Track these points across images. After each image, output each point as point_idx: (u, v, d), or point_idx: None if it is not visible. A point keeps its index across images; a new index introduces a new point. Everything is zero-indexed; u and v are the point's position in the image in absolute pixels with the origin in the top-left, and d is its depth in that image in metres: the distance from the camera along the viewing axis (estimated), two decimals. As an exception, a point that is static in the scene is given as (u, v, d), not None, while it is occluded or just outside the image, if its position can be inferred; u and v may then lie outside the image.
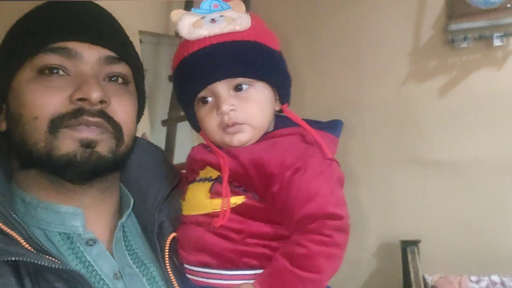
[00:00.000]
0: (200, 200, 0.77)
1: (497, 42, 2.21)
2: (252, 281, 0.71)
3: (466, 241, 2.34)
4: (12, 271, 0.61)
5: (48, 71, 0.68)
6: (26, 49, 0.68)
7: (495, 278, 2.14)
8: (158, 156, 0.85)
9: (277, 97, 0.81)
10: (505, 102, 2.26)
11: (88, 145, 0.68)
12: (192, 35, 0.76)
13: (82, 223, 0.71)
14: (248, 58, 0.75)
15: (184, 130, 2.24)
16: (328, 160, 0.75)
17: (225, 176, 0.74)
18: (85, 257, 0.70)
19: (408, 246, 2.27)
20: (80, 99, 0.67)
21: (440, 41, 2.34)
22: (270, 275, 0.70)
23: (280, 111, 0.83)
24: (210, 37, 0.75)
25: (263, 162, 0.73)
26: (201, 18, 0.75)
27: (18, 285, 0.60)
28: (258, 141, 0.78)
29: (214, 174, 0.77)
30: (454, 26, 2.25)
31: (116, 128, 0.70)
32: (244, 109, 0.76)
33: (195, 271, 0.76)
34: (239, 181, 0.75)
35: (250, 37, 0.75)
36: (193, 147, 0.85)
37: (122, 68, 0.73)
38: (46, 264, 0.61)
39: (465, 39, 2.24)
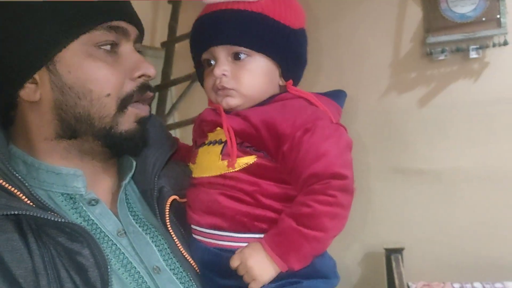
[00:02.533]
0: (212, 162, 0.78)
1: (473, 55, 2.27)
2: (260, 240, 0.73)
3: (449, 249, 2.37)
4: (15, 227, 0.63)
5: (110, 47, 0.71)
6: (84, 23, 0.69)
7: (477, 285, 2.17)
8: (156, 124, 0.87)
9: (280, 74, 0.82)
10: (482, 112, 2.31)
11: (143, 122, 0.75)
12: (206, 0, 0.80)
13: (84, 184, 0.73)
14: (247, 28, 0.77)
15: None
16: (335, 124, 0.77)
17: (230, 131, 0.76)
18: (88, 216, 0.72)
19: (392, 254, 2.30)
20: (140, 76, 0.73)
21: (418, 54, 2.40)
22: (276, 234, 0.72)
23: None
24: (220, 3, 0.78)
25: (275, 122, 0.74)
26: None
27: (21, 240, 0.62)
28: (266, 104, 0.80)
29: (224, 136, 0.78)
30: (432, 39, 2.32)
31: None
32: (236, 77, 0.78)
33: (205, 232, 0.77)
34: (250, 141, 0.77)
35: (257, 8, 0.77)
36: (203, 111, 0.87)
37: (141, 45, 0.80)
38: (48, 218, 0.62)
39: (442, 51, 2.31)
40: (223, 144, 0.78)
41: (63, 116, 0.70)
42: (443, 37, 2.31)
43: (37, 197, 0.66)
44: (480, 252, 2.32)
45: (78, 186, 0.73)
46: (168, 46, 2.33)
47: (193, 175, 0.82)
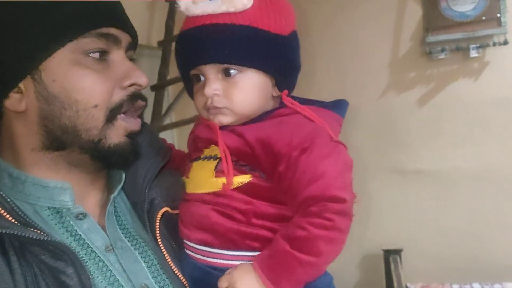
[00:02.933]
0: (205, 179, 0.75)
1: (473, 54, 2.26)
2: (251, 262, 0.70)
3: (448, 250, 2.36)
4: None
5: (99, 55, 0.68)
6: (72, 30, 0.66)
7: (476, 286, 2.16)
8: (147, 132, 0.85)
9: (274, 84, 0.78)
10: (482, 112, 2.30)
11: (133, 136, 0.72)
12: (188, 12, 0.74)
13: (71, 198, 0.71)
14: (235, 44, 0.72)
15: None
16: (335, 142, 0.74)
17: (226, 153, 0.73)
18: (76, 231, 0.69)
19: (390, 255, 2.28)
20: (131, 85, 0.70)
21: (418, 53, 2.38)
22: (269, 257, 0.69)
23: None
24: (204, 17, 0.73)
25: (270, 141, 0.71)
26: None
27: (2, 259, 0.60)
28: (262, 120, 0.76)
29: (219, 152, 0.75)
30: (431, 38, 2.30)
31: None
32: (228, 95, 0.74)
33: (195, 248, 0.75)
34: (245, 159, 0.74)
35: (244, 20, 0.72)
36: (196, 125, 0.83)
37: (134, 52, 0.77)
38: (30, 236, 0.60)
39: (442, 50, 2.29)
40: (217, 160, 0.75)
41: (49, 127, 0.68)
42: (442, 36, 2.29)
43: (19, 213, 0.64)
44: (478, 253, 2.32)
45: (66, 199, 0.70)
46: (165, 45, 2.31)
47: (186, 190, 0.79)
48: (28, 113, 0.68)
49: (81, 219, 0.71)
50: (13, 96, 0.67)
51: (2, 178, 0.70)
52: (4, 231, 0.59)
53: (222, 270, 0.72)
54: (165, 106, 2.29)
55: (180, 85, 2.29)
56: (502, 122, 2.29)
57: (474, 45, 2.25)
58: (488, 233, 2.32)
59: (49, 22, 0.66)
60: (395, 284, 2.14)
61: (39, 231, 0.62)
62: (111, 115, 0.68)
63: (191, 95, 0.81)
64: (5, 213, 0.63)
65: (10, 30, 0.66)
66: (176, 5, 0.76)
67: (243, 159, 0.74)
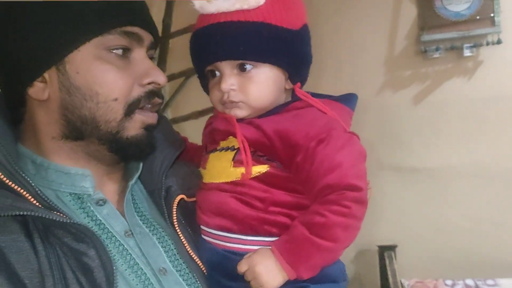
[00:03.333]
0: (223, 169, 0.77)
1: (467, 53, 2.28)
2: (269, 247, 0.72)
3: (442, 246, 2.38)
4: (21, 227, 0.62)
5: (122, 52, 0.71)
6: (99, 26, 0.69)
7: (469, 282, 2.19)
8: (163, 123, 0.86)
9: (287, 77, 0.81)
10: (475, 110, 2.33)
11: (151, 129, 0.75)
12: (203, 10, 0.77)
13: (92, 184, 0.73)
14: (250, 41, 0.74)
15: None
16: (348, 133, 0.77)
17: (245, 144, 0.75)
18: (96, 216, 0.72)
19: (385, 251, 2.31)
20: (150, 83, 0.73)
21: (413, 52, 2.40)
22: (288, 241, 0.72)
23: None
24: (218, 14, 0.75)
25: (288, 133, 0.74)
26: None
27: (27, 241, 0.62)
28: (279, 113, 0.79)
29: (237, 143, 0.78)
30: (426, 37, 2.32)
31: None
32: (243, 89, 0.77)
33: (213, 234, 0.77)
34: (263, 150, 0.76)
35: (257, 17, 0.74)
36: (211, 117, 0.86)
37: (154, 52, 0.80)
38: (54, 218, 0.62)
39: (437, 49, 2.31)
40: (235, 151, 0.77)
41: (69, 117, 0.71)
42: (437, 35, 2.31)
43: (43, 197, 0.66)
44: (472, 249, 2.34)
45: (86, 186, 0.73)
46: (162, 42, 2.32)
47: (203, 180, 0.81)
48: (50, 102, 0.70)
49: (101, 205, 0.73)
50: (37, 85, 0.70)
51: (26, 164, 0.72)
52: (29, 213, 0.61)
53: (240, 255, 0.74)
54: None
55: (177, 82, 2.30)
56: (496, 120, 2.31)
57: (468, 44, 2.27)
58: (482, 230, 2.35)
59: (77, 17, 0.69)
60: (390, 279, 2.16)
61: (62, 214, 0.64)
62: (130, 110, 0.71)
63: (206, 90, 0.84)
64: (29, 197, 0.65)
65: (40, 21, 0.68)
66: (191, 3, 0.78)
67: (261, 149, 0.76)
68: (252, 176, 0.75)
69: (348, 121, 0.82)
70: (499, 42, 2.24)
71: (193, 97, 2.40)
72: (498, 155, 2.33)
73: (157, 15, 2.45)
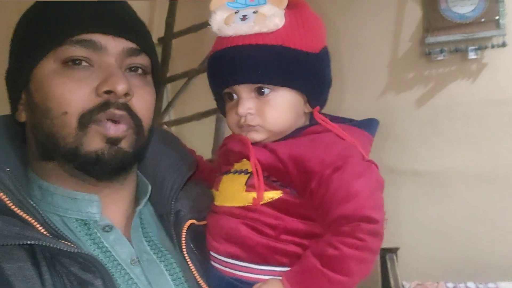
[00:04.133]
0: (235, 192, 0.76)
1: (472, 55, 2.27)
2: (280, 278, 0.70)
3: (443, 249, 2.38)
4: (29, 255, 0.62)
5: (73, 63, 0.68)
6: (50, 39, 0.67)
7: (470, 284, 2.19)
8: (175, 144, 0.85)
9: (306, 101, 0.79)
10: (479, 113, 2.32)
11: (115, 142, 0.68)
12: (221, 33, 0.75)
13: (99, 210, 0.71)
14: (268, 65, 0.73)
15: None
16: (366, 161, 0.74)
17: (258, 168, 0.73)
18: (103, 242, 0.70)
19: (387, 254, 2.30)
20: (107, 92, 0.67)
21: (417, 54, 2.39)
22: (299, 272, 0.69)
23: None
24: (236, 37, 0.73)
25: (303, 159, 0.71)
26: (234, 12, 0.74)
27: (35, 269, 0.61)
28: (295, 137, 0.77)
29: (250, 167, 0.75)
30: (431, 39, 2.31)
31: (137, 123, 0.71)
32: (261, 113, 0.75)
33: (222, 261, 0.75)
34: (277, 175, 0.74)
35: (276, 40, 0.72)
36: (227, 138, 0.84)
37: (143, 60, 0.74)
38: (61, 248, 0.61)
39: (441, 51, 2.31)
40: (248, 174, 0.76)
41: (37, 136, 0.70)
42: (442, 37, 2.30)
43: (51, 225, 0.65)
44: (473, 252, 2.34)
45: (93, 211, 0.71)
46: (165, 42, 2.31)
47: (215, 203, 0.79)
48: (26, 123, 0.71)
49: (107, 231, 0.71)
50: (19, 108, 0.72)
51: (32, 190, 0.71)
52: (37, 242, 0.60)
53: (249, 284, 0.72)
54: (164, 103, 2.29)
55: (180, 82, 2.30)
56: (499, 123, 2.30)
57: (473, 47, 2.26)
58: (483, 233, 2.34)
59: (33, 33, 0.68)
60: (392, 282, 2.16)
61: (69, 243, 0.63)
62: (82, 122, 0.67)
63: (223, 112, 0.82)
64: (37, 225, 0.64)
65: (13, 44, 0.71)
66: (208, 26, 0.76)
67: (274, 175, 0.74)
68: (264, 202, 0.73)
69: (368, 147, 0.80)
70: (504, 45, 2.23)
71: (196, 98, 2.40)
72: (501, 158, 2.32)
73: (160, 14, 2.45)
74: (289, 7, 0.75)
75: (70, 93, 0.66)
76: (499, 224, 2.32)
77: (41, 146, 0.70)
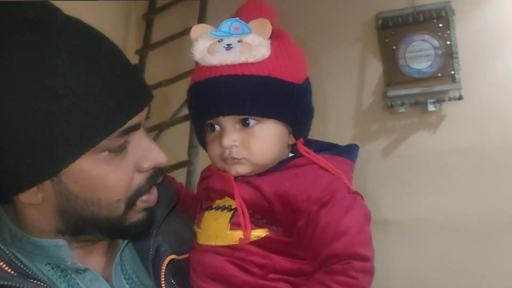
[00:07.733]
0: (219, 231, 0.73)
1: (431, 108, 2.37)
2: None
3: (414, 299, 2.37)
4: None
5: (119, 148, 0.65)
6: (90, 137, 0.62)
7: (442, 335, 2.17)
8: None
9: (290, 132, 0.77)
10: (441, 163, 2.40)
11: (151, 209, 0.71)
12: (204, 62, 0.72)
13: (68, 254, 0.68)
14: (256, 96, 0.70)
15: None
16: (353, 194, 0.72)
17: (243, 207, 0.71)
18: (78, 284, 0.68)
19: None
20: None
21: (380, 106, 2.49)
22: None
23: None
24: (221, 67, 0.70)
25: (289, 196, 0.69)
26: (218, 41, 0.71)
27: None
28: (279, 170, 0.75)
29: (233, 203, 0.73)
30: (392, 93, 2.42)
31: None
32: (246, 146, 0.73)
33: None
34: (262, 213, 0.72)
35: (263, 70, 0.70)
36: (205, 171, 0.81)
37: (148, 116, 0.74)
38: (30, 287, 0.59)
39: (402, 104, 2.40)
40: (232, 211, 0.73)
41: (67, 218, 0.66)
42: (402, 91, 2.41)
43: (19, 265, 0.63)
44: (444, 301, 2.33)
45: (63, 256, 0.68)
46: (141, 54, 2.36)
47: (198, 241, 0.77)
48: (44, 204, 0.65)
49: (80, 273, 0.69)
50: (29, 191, 0.64)
51: (2, 232, 0.69)
52: (3, 282, 0.58)
53: None
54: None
55: (150, 135, 2.31)
56: (461, 172, 2.38)
57: (431, 100, 2.37)
58: (453, 282, 2.35)
59: (69, 131, 0.60)
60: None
61: (39, 282, 0.61)
62: (130, 202, 0.67)
63: (203, 144, 0.79)
64: (4, 265, 0.62)
65: (26, 133, 0.59)
66: (190, 55, 0.73)
67: (259, 212, 0.72)
68: (250, 240, 0.70)
69: (350, 174, 0.79)
70: (460, 98, 2.34)
71: (166, 151, 2.42)
72: (466, 206, 2.37)
73: (136, 26, 2.49)
74: (273, 37, 0.73)
75: (122, 181, 0.66)
76: (467, 272, 2.33)
77: (69, 224, 0.67)
